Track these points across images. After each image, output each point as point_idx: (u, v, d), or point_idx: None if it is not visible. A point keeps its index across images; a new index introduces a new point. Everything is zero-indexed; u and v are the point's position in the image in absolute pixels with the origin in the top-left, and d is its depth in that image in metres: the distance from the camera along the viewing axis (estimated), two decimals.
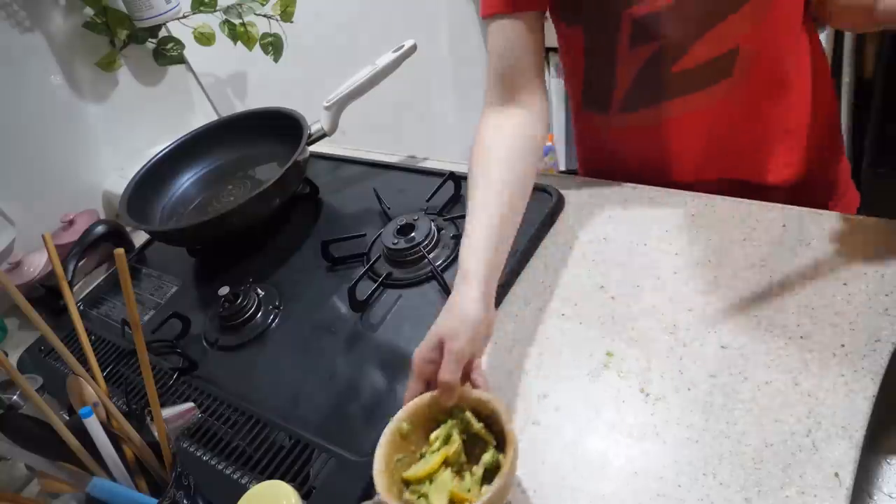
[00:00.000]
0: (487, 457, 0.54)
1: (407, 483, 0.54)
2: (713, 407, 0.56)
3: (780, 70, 0.76)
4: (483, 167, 0.69)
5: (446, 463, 0.55)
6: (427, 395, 0.56)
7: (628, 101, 0.79)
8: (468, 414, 0.56)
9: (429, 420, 0.57)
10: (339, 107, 0.99)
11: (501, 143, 0.70)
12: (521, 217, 0.68)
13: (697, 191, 0.78)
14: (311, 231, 0.96)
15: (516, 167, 0.68)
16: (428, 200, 0.88)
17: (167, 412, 0.69)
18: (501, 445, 0.52)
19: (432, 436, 0.56)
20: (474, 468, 0.54)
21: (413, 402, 0.56)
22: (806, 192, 0.81)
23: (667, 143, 0.80)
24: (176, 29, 1.20)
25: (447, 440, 0.56)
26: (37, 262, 1.04)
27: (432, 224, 0.82)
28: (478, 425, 0.55)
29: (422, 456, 0.56)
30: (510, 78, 0.73)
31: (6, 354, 0.82)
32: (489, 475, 0.53)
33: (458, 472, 0.55)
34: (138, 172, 1.03)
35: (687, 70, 0.73)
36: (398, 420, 0.55)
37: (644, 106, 0.78)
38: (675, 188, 0.80)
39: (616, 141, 0.85)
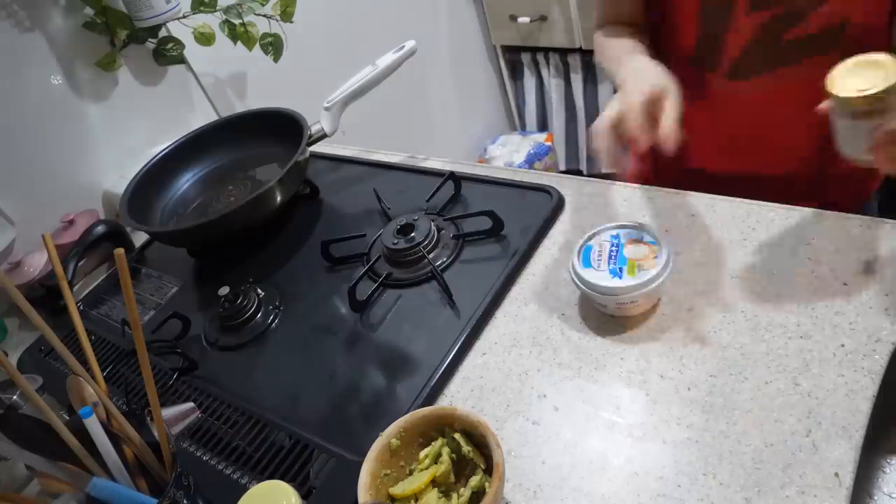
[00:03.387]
0: (475, 480, 0.54)
1: (393, 499, 0.54)
2: (713, 407, 0.56)
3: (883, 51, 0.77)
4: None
5: (434, 483, 0.55)
6: (420, 412, 0.57)
7: (737, 69, 0.80)
8: (459, 435, 0.56)
9: (420, 436, 0.57)
10: (339, 107, 0.98)
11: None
12: None
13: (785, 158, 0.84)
14: (311, 231, 0.96)
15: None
16: (428, 200, 0.88)
17: (167, 412, 0.70)
18: (491, 470, 0.52)
19: (422, 453, 0.57)
20: (462, 490, 0.54)
21: (405, 418, 0.57)
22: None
23: (772, 109, 0.81)
24: (176, 29, 1.20)
25: (436, 459, 0.56)
26: (37, 262, 1.03)
27: (432, 224, 0.82)
28: (467, 447, 0.55)
29: (410, 472, 0.56)
30: (615, 8, 0.86)
31: (6, 354, 0.82)
32: (476, 498, 0.53)
33: (446, 493, 0.55)
34: (138, 172, 1.03)
35: (800, 38, 0.74)
36: (388, 435, 0.56)
37: (752, 73, 0.79)
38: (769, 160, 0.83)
39: (720, 106, 0.85)
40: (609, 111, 0.64)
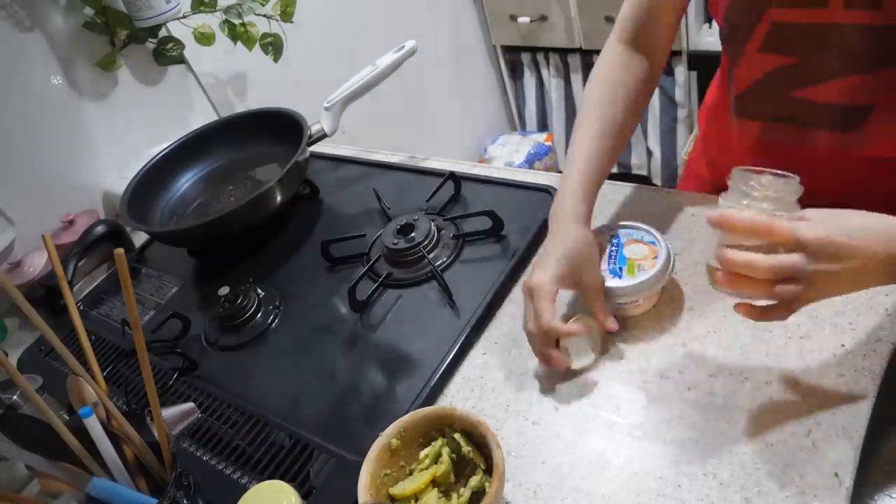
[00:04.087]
0: (475, 480, 0.54)
1: (393, 499, 0.54)
2: (713, 407, 0.56)
3: None
4: (605, 95, 0.71)
5: (434, 483, 0.55)
6: (420, 412, 0.57)
7: (740, 106, 0.73)
8: (459, 435, 0.56)
9: (420, 436, 0.57)
10: (339, 107, 0.98)
11: (625, 81, 0.72)
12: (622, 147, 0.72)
13: None
14: (311, 231, 0.96)
15: (631, 108, 0.71)
16: (428, 200, 0.88)
17: (167, 412, 0.70)
18: (491, 470, 0.52)
19: (422, 453, 0.57)
20: (462, 490, 0.54)
21: (405, 418, 0.57)
22: None
23: (770, 163, 0.71)
24: (176, 29, 1.20)
25: (437, 459, 0.56)
26: (37, 262, 1.03)
27: (432, 224, 0.82)
28: (467, 447, 0.55)
29: (410, 472, 0.56)
30: (644, 24, 0.72)
31: (6, 354, 0.82)
32: (476, 498, 0.53)
33: (446, 493, 0.55)
34: (138, 172, 1.03)
35: (811, 102, 0.66)
36: (388, 435, 0.56)
37: (753, 117, 0.72)
38: None
39: (728, 139, 0.78)
40: (527, 308, 0.61)
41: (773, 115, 0.70)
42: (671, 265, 0.63)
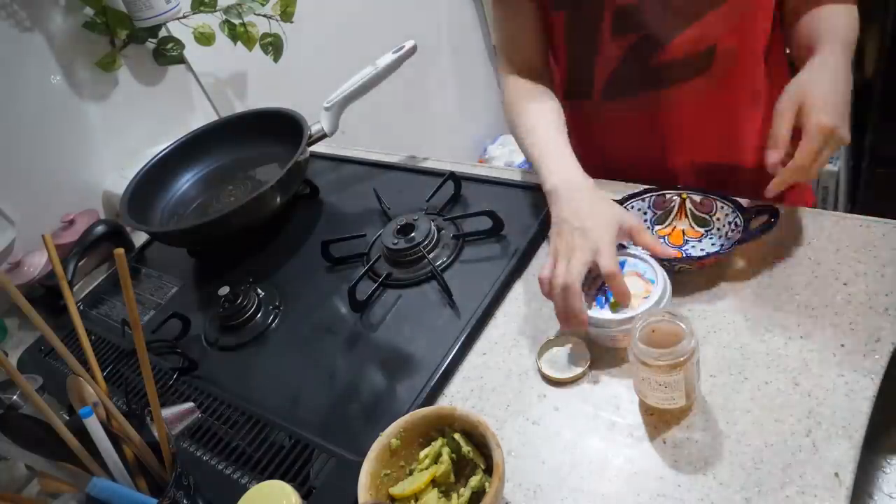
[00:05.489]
0: (475, 480, 0.54)
1: (393, 499, 0.54)
2: (713, 407, 0.56)
3: (756, 80, 0.79)
4: (530, 110, 0.79)
5: (434, 483, 0.55)
6: (420, 412, 0.57)
7: (609, 90, 0.81)
8: (459, 435, 0.56)
9: (420, 436, 0.57)
10: (339, 107, 0.98)
11: (537, 91, 0.81)
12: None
13: (663, 180, 0.77)
14: (311, 231, 0.96)
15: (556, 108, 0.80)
16: (428, 200, 0.88)
17: (167, 412, 0.70)
18: (491, 470, 0.52)
19: (422, 453, 0.57)
20: (462, 490, 0.54)
21: (405, 418, 0.57)
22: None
23: (645, 132, 0.82)
24: (176, 29, 1.20)
25: (437, 459, 0.56)
26: (37, 262, 1.04)
27: (432, 224, 0.82)
28: (467, 447, 0.55)
29: (410, 472, 0.56)
30: (519, 64, 0.83)
31: (6, 354, 0.82)
32: (476, 498, 0.53)
33: (446, 493, 0.55)
34: (138, 172, 1.03)
35: (666, 63, 0.76)
36: (388, 435, 0.56)
37: (625, 95, 0.80)
38: (645, 180, 0.78)
39: (597, 129, 0.87)
40: (549, 270, 0.61)
41: (642, 87, 0.78)
42: (662, 304, 0.60)
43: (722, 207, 0.69)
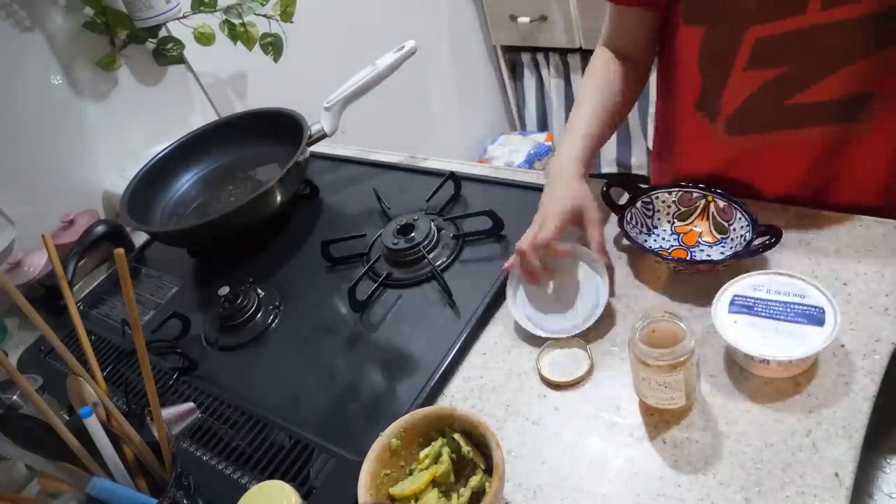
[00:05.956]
0: (475, 480, 0.54)
1: (393, 499, 0.54)
2: (713, 407, 0.56)
3: None
4: (599, 81, 0.78)
5: (434, 483, 0.55)
6: (420, 412, 0.57)
7: (732, 125, 0.72)
8: (459, 435, 0.56)
9: (420, 436, 0.57)
10: (339, 107, 0.98)
11: (615, 74, 0.79)
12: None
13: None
14: (311, 231, 0.96)
15: (624, 93, 0.79)
16: (428, 200, 0.88)
17: (167, 412, 0.69)
18: (491, 470, 0.52)
19: (422, 453, 0.57)
20: (462, 490, 0.54)
21: (405, 418, 0.57)
22: None
23: (763, 168, 0.74)
24: (176, 29, 1.20)
25: (437, 459, 0.56)
26: (37, 262, 1.03)
27: (432, 224, 0.82)
28: (467, 447, 0.55)
29: (410, 472, 0.56)
30: (617, 39, 0.80)
31: (6, 354, 0.82)
32: (476, 498, 0.53)
33: (446, 493, 0.55)
34: (138, 172, 1.03)
35: (806, 104, 0.66)
36: (388, 435, 0.56)
37: (748, 132, 0.72)
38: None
39: (711, 154, 0.77)
40: (530, 234, 0.69)
41: (770, 127, 0.70)
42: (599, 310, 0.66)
43: (740, 219, 0.68)
